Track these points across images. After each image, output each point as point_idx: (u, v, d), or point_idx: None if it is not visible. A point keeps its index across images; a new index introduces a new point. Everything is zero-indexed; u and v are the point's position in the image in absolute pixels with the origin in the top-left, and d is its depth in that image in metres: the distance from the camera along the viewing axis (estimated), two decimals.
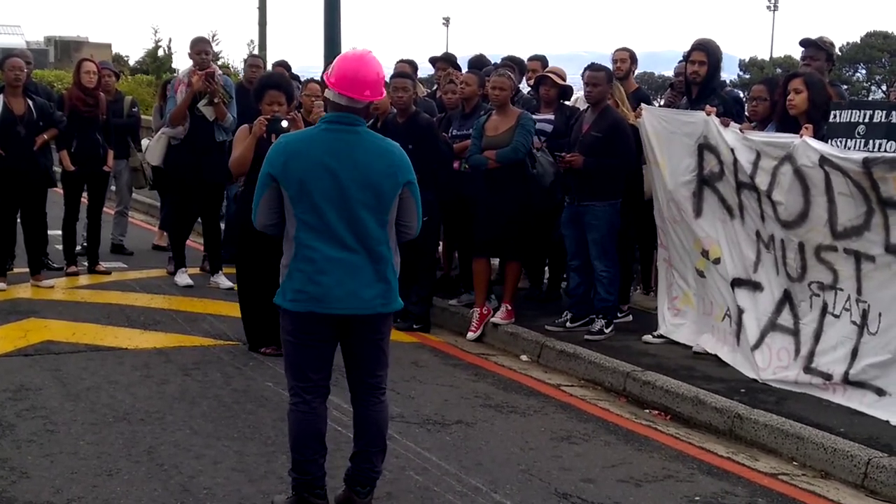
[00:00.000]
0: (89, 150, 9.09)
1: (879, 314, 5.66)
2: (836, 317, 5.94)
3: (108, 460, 4.87)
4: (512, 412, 5.98)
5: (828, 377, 5.92)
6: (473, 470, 4.96)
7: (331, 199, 4.03)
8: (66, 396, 5.83)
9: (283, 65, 11.13)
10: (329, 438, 4.34)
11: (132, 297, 8.54)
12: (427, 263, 7.94)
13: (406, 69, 8.90)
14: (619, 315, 7.63)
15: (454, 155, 7.96)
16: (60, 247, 9.52)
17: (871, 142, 5.72)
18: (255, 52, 23.49)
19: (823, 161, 5.81)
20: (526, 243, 7.79)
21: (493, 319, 7.67)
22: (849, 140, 5.83)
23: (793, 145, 6.03)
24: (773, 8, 73.41)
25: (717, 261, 6.79)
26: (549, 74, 8.13)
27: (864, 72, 68.13)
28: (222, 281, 8.92)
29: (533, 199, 7.50)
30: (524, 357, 7.28)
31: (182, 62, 28.48)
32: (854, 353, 5.79)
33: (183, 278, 9.01)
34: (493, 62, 9.57)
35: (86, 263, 9.47)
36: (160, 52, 27.08)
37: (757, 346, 6.39)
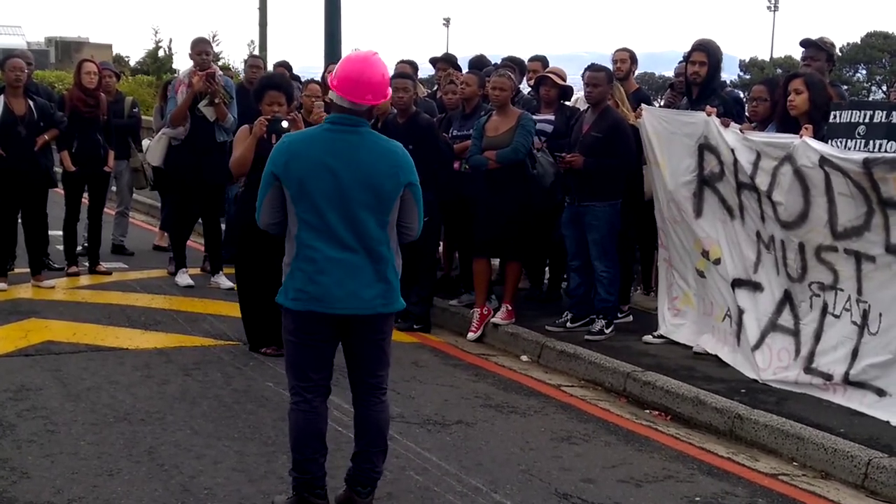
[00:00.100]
0: (90, 151, 9.09)
1: (880, 314, 5.66)
2: (837, 317, 5.94)
3: (108, 460, 4.87)
4: (512, 412, 5.98)
5: (828, 377, 5.92)
6: (474, 470, 4.96)
7: (331, 199, 4.04)
8: (66, 396, 5.84)
9: (284, 65, 11.14)
10: (330, 438, 4.34)
11: (133, 298, 8.55)
12: (427, 264, 7.94)
13: (406, 70, 8.90)
14: (619, 315, 7.63)
15: (454, 155, 7.96)
16: (61, 247, 9.52)
17: (871, 142, 5.72)
18: (256, 52, 23.50)
19: (823, 161, 5.81)
20: (526, 244, 7.79)
21: (493, 320, 7.67)
22: (849, 140, 5.83)
23: (793, 146, 6.03)
24: (773, 8, 73.42)
25: (717, 261, 6.79)
26: (550, 75, 8.13)
27: (864, 72, 68.08)
28: (223, 281, 8.92)
29: (533, 199, 7.50)
30: (524, 357, 7.28)
31: (183, 63, 28.52)
32: (854, 354, 5.79)
33: (183, 278, 9.02)
34: (493, 62, 9.57)
35: (86, 264, 9.47)
36: (161, 53, 27.10)
37: (757, 346, 6.40)
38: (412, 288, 7.60)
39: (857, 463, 5.03)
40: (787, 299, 6.27)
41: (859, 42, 67.76)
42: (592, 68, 7.39)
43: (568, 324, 7.51)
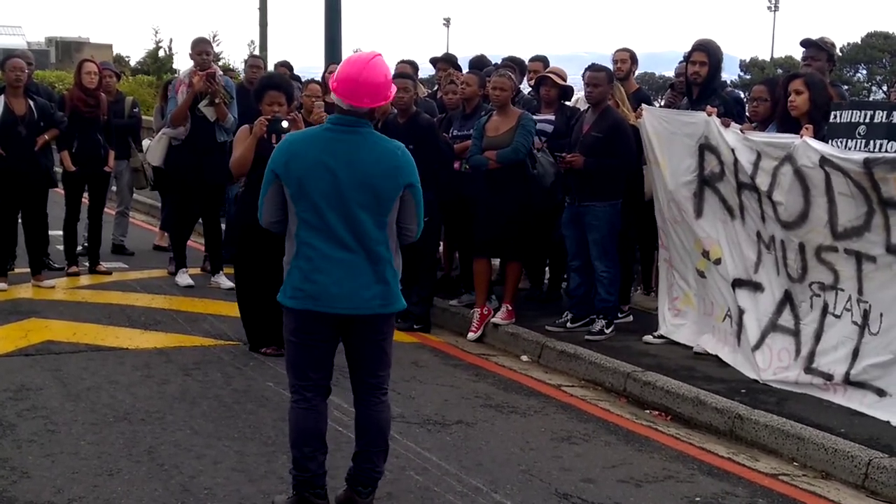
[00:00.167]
0: (90, 151, 9.09)
1: (880, 314, 5.66)
2: (837, 317, 5.93)
3: (108, 460, 4.87)
4: (512, 412, 5.98)
5: (828, 377, 5.91)
6: (474, 470, 4.96)
7: (329, 199, 4.05)
8: (66, 396, 5.84)
9: (285, 65, 11.15)
10: (330, 438, 4.34)
11: (133, 298, 8.55)
12: (428, 264, 7.94)
13: (407, 70, 8.90)
14: (619, 315, 7.63)
15: (455, 155, 7.96)
16: (61, 247, 9.52)
17: (871, 142, 5.71)
18: (256, 52, 23.51)
19: (824, 161, 5.81)
20: (526, 244, 7.79)
21: (493, 320, 7.67)
22: (849, 140, 5.82)
23: (793, 146, 6.03)
24: (773, 8, 73.43)
25: (717, 261, 6.79)
26: (550, 75, 8.13)
27: (864, 72, 68.05)
28: (223, 281, 8.92)
29: (533, 199, 7.50)
30: (525, 357, 7.28)
31: (183, 63, 28.48)
32: (855, 354, 5.79)
33: (184, 278, 9.02)
34: (493, 63, 9.57)
35: (87, 264, 9.47)
36: (161, 53, 27.11)
37: (757, 346, 6.39)
38: (412, 288, 7.60)
39: (858, 463, 5.03)
40: (787, 299, 6.27)
41: (860, 42, 67.73)
42: (593, 68, 7.38)
43: (568, 324, 7.51)
